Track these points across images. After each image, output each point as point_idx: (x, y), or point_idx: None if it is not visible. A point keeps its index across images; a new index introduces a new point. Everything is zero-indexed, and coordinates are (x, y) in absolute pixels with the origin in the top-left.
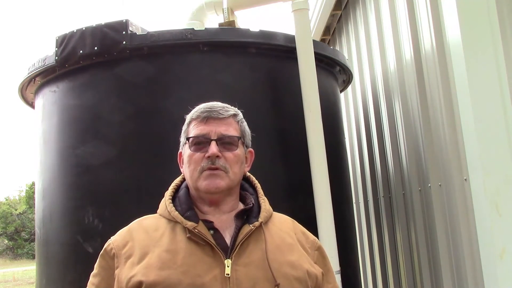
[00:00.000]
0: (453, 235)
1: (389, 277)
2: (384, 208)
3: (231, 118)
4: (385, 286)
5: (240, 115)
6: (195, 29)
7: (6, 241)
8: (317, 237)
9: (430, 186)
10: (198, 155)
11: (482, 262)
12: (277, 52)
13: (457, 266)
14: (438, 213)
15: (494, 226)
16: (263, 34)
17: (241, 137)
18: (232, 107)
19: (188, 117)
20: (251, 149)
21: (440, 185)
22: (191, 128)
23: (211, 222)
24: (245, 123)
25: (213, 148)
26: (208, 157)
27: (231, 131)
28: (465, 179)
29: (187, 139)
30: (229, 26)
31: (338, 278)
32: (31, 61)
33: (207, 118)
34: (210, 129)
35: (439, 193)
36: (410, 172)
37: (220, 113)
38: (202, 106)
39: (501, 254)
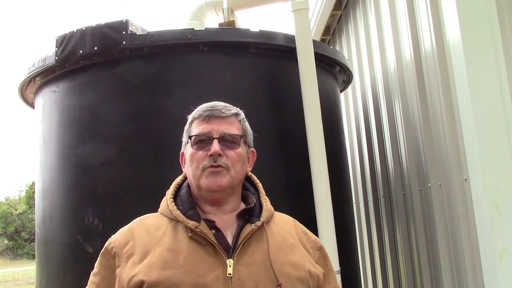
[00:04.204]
0: (453, 235)
1: (389, 277)
2: (384, 208)
3: (233, 117)
4: (385, 286)
5: (242, 115)
6: (195, 29)
7: (6, 241)
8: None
9: (430, 186)
10: (200, 153)
11: (482, 262)
12: (277, 52)
13: (457, 266)
14: (438, 213)
15: (494, 226)
16: (263, 34)
17: (243, 136)
18: (234, 107)
19: (190, 117)
20: (253, 149)
21: (440, 185)
22: (193, 127)
23: (213, 221)
24: (247, 123)
25: (215, 146)
26: (210, 155)
27: (233, 129)
28: (465, 179)
29: (189, 137)
30: (229, 26)
31: (338, 278)
32: (31, 61)
33: (209, 116)
34: (212, 128)
35: (439, 193)
36: (410, 172)
37: (222, 112)
38: (204, 105)
39: (501, 254)
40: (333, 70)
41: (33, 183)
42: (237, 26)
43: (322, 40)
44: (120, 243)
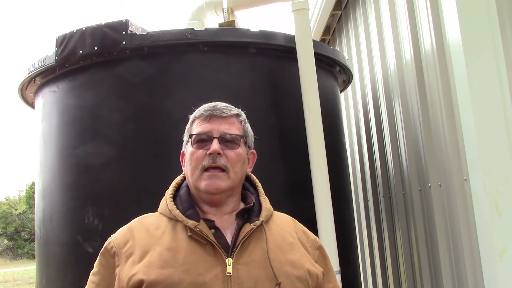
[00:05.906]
0: (453, 235)
1: (389, 277)
2: (384, 208)
3: (234, 118)
4: (385, 286)
5: (243, 116)
6: (195, 29)
7: (6, 241)
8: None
9: (430, 186)
10: (200, 152)
11: (482, 262)
12: (277, 52)
13: (457, 266)
14: (438, 213)
15: (494, 226)
16: (263, 34)
17: (243, 136)
18: (236, 108)
19: (191, 116)
20: (253, 150)
21: (440, 185)
22: (194, 126)
23: (212, 221)
24: (248, 124)
25: (215, 145)
26: (210, 154)
27: (234, 130)
28: (465, 179)
29: (190, 136)
30: (229, 26)
31: (338, 278)
32: (31, 61)
33: (210, 116)
34: (213, 127)
35: (439, 193)
36: (410, 172)
37: (223, 112)
38: (206, 105)
39: (501, 254)
40: (333, 70)
41: (33, 183)
42: (237, 26)
43: (322, 40)
44: (119, 242)
